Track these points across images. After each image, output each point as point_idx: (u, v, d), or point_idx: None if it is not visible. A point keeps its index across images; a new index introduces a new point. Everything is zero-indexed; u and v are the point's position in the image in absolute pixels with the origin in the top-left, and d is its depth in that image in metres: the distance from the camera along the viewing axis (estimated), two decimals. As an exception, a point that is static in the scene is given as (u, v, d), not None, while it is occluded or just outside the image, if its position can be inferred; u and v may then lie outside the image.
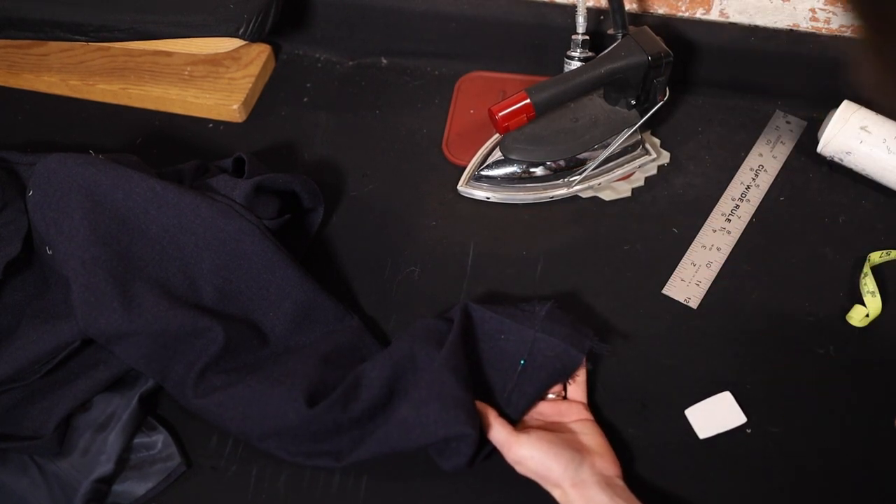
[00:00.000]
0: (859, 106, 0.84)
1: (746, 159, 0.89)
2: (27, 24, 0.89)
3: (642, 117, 0.84)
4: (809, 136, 0.89)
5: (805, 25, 0.90)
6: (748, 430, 0.70)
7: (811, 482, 0.68)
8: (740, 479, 0.68)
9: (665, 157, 0.89)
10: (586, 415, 0.69)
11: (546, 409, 0.70)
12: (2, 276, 0.72)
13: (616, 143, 0.84)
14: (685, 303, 0.78)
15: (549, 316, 0.71)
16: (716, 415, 0.71)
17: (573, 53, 0.88)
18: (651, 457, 0.69)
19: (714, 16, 0.91)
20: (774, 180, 0.87)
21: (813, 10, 0.88)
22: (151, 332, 0.68)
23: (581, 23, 0.86)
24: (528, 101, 0.78)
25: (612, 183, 0.87)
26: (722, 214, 0.84)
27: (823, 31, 0.90)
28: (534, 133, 0.83)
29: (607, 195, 0.86)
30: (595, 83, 0.80)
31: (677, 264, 0.81)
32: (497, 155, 0.85)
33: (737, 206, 0.85)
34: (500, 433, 0.65)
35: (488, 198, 0.85)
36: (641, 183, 0.87)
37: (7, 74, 0.97)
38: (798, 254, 0.81)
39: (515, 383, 0.69)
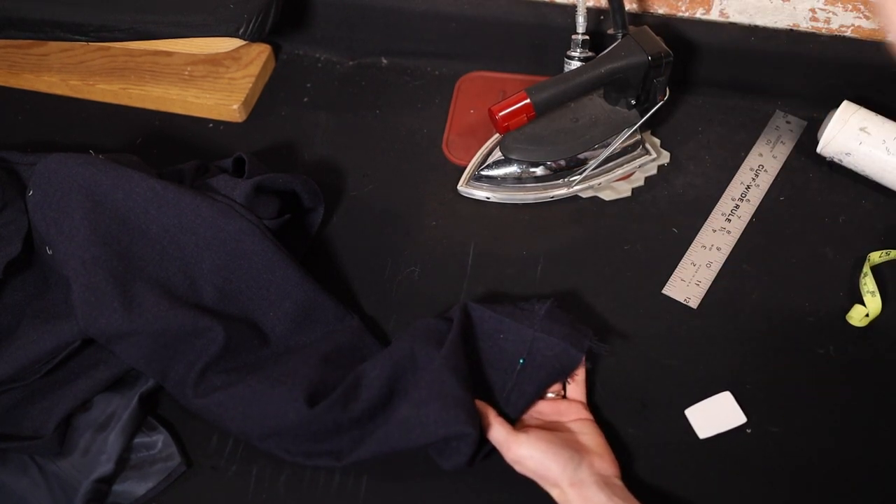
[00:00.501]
0: (859, 107, 0.84)
1: (746, 159, 0.89)
2: (27, 24, 0.89)
3: (642, 117, 0.84)
4: (809, 136, 0.90)
5: (805, 25, 0.90)
6: (748, 430, 0.70)
7: (811, 482, 0.68)
8: (740, 479, 0.68)
9: (665, 157, 0.89)
10: (585, 414, 0.69)
11: (545, 409, 0.70)
12: (2, 276, 0.72)
13: (616, 143, 0.84)
14: (685, 303, 0.78)
15: (548, 315, 0.71)
16: (716, 415, 0.71)
17: (573, 53, 0.88)
18: (651, 457, 0.69)
19: (714, 16, 0.91)
20: (774, 180, 0.87)
21: (813, 10, 0.88)
22: (151, 332, 0.68)
23: (581, 23, 0.86)
24: (528, 101, 0.78)
25: (612, 183, 0.87)
26: (722, 214, 0.84)
27: (823, 31, 0.90)
28: (534, 133, 0.83)
29: (607, 195, 0.86)
30: (595, 83, 0.80)
31: (677, 264, 0.81)
32: (497, 155, 0.85)
33: (737, 206, 0.85)
34: (499, 432, 0.65)
35: (488, 198, 0.85)
36: (641, 183, 0.87)
37: (7, 74, 0.97)
38: (798, 254, 0.81)
39: (514, 382, 0.69)
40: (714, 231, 0.83)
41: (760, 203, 0.85)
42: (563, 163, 0.84)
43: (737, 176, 0.87)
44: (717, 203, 0.85)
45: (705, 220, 0.84)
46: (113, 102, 0.96)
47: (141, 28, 0.87)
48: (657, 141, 0.90)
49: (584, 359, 0.70)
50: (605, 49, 0.82)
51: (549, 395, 0.71)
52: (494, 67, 0.97)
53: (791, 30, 0.91)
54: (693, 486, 0.68)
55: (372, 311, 0.78)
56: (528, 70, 0.96)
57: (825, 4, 0.87)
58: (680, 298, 0.78)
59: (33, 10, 0.88)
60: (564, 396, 0.71)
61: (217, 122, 0.94)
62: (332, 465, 0.67)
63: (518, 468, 0.65)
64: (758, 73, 0.93)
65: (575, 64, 0.87)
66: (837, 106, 0.84)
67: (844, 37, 0.89)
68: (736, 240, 0.82)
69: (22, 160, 0.78)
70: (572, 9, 0.88)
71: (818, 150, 0.86)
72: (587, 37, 0.87)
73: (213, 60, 0.97)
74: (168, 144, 0.92)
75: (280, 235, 0.76)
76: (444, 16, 0.94)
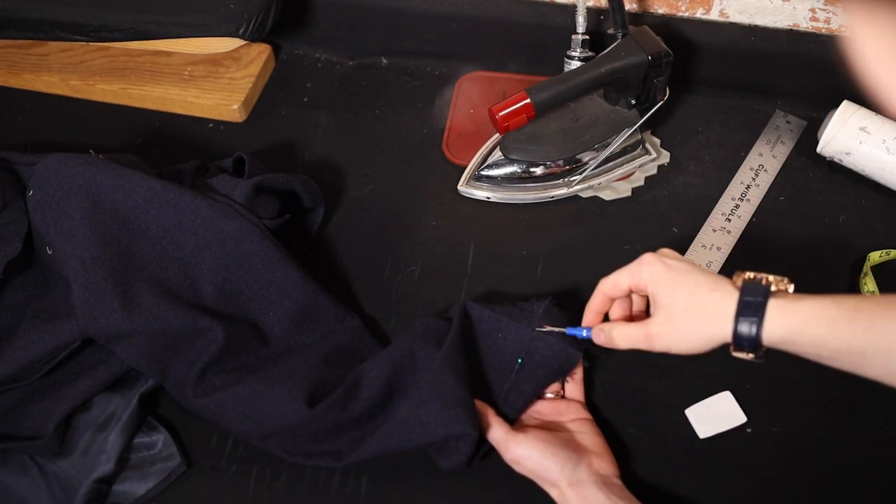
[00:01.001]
0: (859, 107, 0.84)
1: (746, 159, 0.89)
2: (27, 24, 0.89)
3: (642, 117, 0.84)
4: (809, 136, 0.90)
5: (805, 25, 0.90)
6: (748, 430, 0.70)
7: (811, 482, 0.68)
8: (740, 479, 0.68)
9: (665, 157, 0.89)
10: (584, 414, 0.69)
11: (544, 408, 0.70)
12: (2, 276, 0.72)
13: (616, 143, 0.84)
14: (685, 303, 0.78)
15: (546, 314, 0.71)
16: (716, 415, 0.71)
17: (573, 53, 0.88)
18: (651, 456, 0.69)
19: (714, 16, 0.91)
20: (774, 180, 0.87)
21: (813, 10, 0.88)
22: (151, 332, 0.68)
23: (581, 23, 0.86)
24: (528, 100, 0.78)
25: (612, 183, 0.87)
26: (722, 214, 0.84)
27: (823, 31, 0.90)
28: (534, 133, 0.83)
29: (607, 195, 0.86)
30: (595, 83, 0.80)
31: (677, 264, 0.81)
32: (497, 155, 0.85)
33: (737, 206, 0.85)
34: (497, 432, 0.65)
35: (488, 198, 0.86)
36: (641, 183, 0.87)
37: (7, 74, 0.97)
38: (798, 254, 0.81)
39: (513, 382, 0.69)
40: (714, 231, 0.83)
41: (760, 203, 0.85)
42: (562, 163, 0.84)
43: (737, 176, 0.87)
44: (717, 203, 0.85)
45: (705, 220, 0.84)
46: (113, 102, 0.96)
47: (141, 28, 0.87)
48: (657, 141, 0.90)
49: (581, 358, 0.70)
50: (605, 49, 0.82)
51: (548, 394, 0.71)
52: (494, 67, 0.97)
53: (791, 30, 0.91)
54: (693, 486, 0.68)
55: (372, 311, 0.78)
56: (528, 70, 0.96)
57: (825, 4, 0.87)
58: (680, 298, 0.78)
59: (33, 10, 0.88)
60: (563, 396, 0.71)
61: (217, 122, 0.94)
62: (332, 466, 0.67)
63: (517, 468, 0.65)
64: (758, 73, 0.93)
65: (575, 64, 0.87)
66: (837, 106, 0.84)
67: (844, 37, 0.89)
68: (736, 240, 0.82)
69: (22, 160, 0.78)
70: (572, 9, 0.88)
71: (818, 150, 0.86)
72: (587, 37, 0.87)
73: (213, 60, 0.97)
74: (168, 144, 0.92)
75: (280, 235, 0.76)
76: (444, 16, 0.94)
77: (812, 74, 0.91)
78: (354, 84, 0.97)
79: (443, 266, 0.81)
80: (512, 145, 0.84)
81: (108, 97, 0.96)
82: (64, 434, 0.69)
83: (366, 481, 0.68)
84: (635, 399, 0.72)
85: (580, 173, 0.85)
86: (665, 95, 0.83)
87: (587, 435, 0.67)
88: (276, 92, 0.97)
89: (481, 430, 0.64)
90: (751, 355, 0.59)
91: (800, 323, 0.57)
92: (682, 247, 0.82)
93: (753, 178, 0.87)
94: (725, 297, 0.59)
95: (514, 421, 0.68)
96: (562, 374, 0.70)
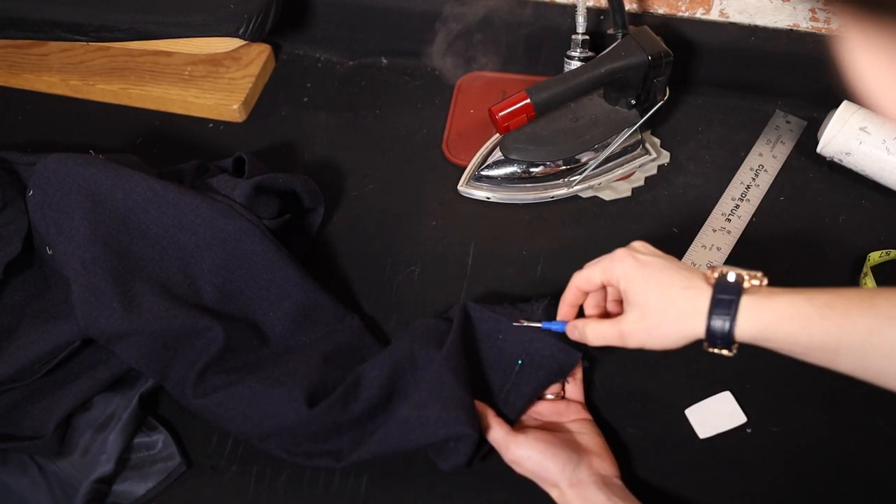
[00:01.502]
0: (859, 107, 0.84)
1: (746, 159, 0.89)
2: (27, 24, 0.89)
3: (642, 117, 0.84)
4: (809, 136, 0.90)
5: (805, 25, 0.90)
6: (748, 430, 0.70)
7: (811, 482, 0.68)
8: (740, 479, 0.68)
9: (665, 157, 0.89)
10: (584, 414, 0.69)
11: (544, 409, 0.70)
12: (2, 276, 0.72)
13: (616, 143, 0.84)
14: (685, 303, 0.78)
15: (546, 314, 0.71)
16: (716, 415, 0.71)
17: (573, 53, 0.88)
18: (651, 457, 0.69)
19: (714, 16, 0.91)
20: (774, 180, 0.87)
21: (813, 11, 0.88)
22: (151, 332, 0.68)
23: (581, 23, 0.86)
24: (528, 101, 0.78)
25: (612, 183, 0.87)
26: (722, 214, 0.84)
27: (823, 31, 0.90)
28: (534, 133, 0.83)
29: (607, 195, 0.86)
30: (595, 83, 0.80)
31: (677, 264, 0.81)
32: (497, 155, 0.85)
33: (737, 206, 0.85)
34: (497, 433, 0.65)
35: (488, 198, 0.85)
36: (641, 183, 0.87)
37: (7, 74, 0.97)
38: (798, 254, 0.81)
39: (513, 383, 0.69)
40: (714, 231, 0.83)
41: (760, 203, 0.85)
42: (562, 163, 0.84)
43: (737, 176, 0.87)
44: (717, 203, 0.85)
45: (705, 220, 0.84)
46: (113, 102, 0.96)
47: (141, 28, 0.87)
48: (657, 141, 0.90)
49: (581, 358, 0.70)
50: (605, 49, 0.82)
51: (549, 395, 0.71)
52: (494, 67, 0.97)
53: (791, 30, 0.91)
54: (693, 486, 0.68)
55: (372, 311, 0.78)
56: (528, 70, 0.96)
57: (825, 4, 0.87)
58: (680, 298, 0.78)
59: (33, 10, 0.88)
60: (563, 397, 0.71)
61: (217, 122, 0.94)
62: (332, 466, 0.67)
63: (517, 469, 0.65)
64: (758, 73, 0.93)
65: (575, 64, 0.87)
66: (837, 106, 0.84)
67: (838, 42, 0.89)
68: (736, 240, 0.82)
69: (22, 160, 0.78)
70: (572, 9, 0.88)
71: (818, 150, 0.86)
72: (587, 37, 0.87)
73: (213, 60, 0.97)
74: (168, 144, 0.92)
75: (280, 235, 0.76)
76: (443, 16, 0.94)
77: (812, 74, 0.91)
78: (354, 84, 0.97)
79: (443, 266, 0.81)
80: (512, 145, 0.84)
81: (108, 97, 0.96)
82: (64, 434, 0.69)
83: (366, 481, 0.68)
84: (635, 399, 0.72)
85: (580, 173, 0.85)
86: (665, 95, 0.83)
87: (587, 435, 0.67)
88: (276, 92, 0.97)
89: (481, 430, 0.64)
90: (724, 351, 0.59)
91: (773, 320, 0.57)
92: (682, 247, 0.82)
93: (753, 178, 0.87)
94: (699, 295, 0.59)
95: (514, 422, 0.68)
96: (562, 376, 0.70)
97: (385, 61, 0.99)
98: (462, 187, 0.86)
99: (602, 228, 0.84)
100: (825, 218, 0.84)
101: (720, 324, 0.57)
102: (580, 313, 0.70)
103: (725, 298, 0.57)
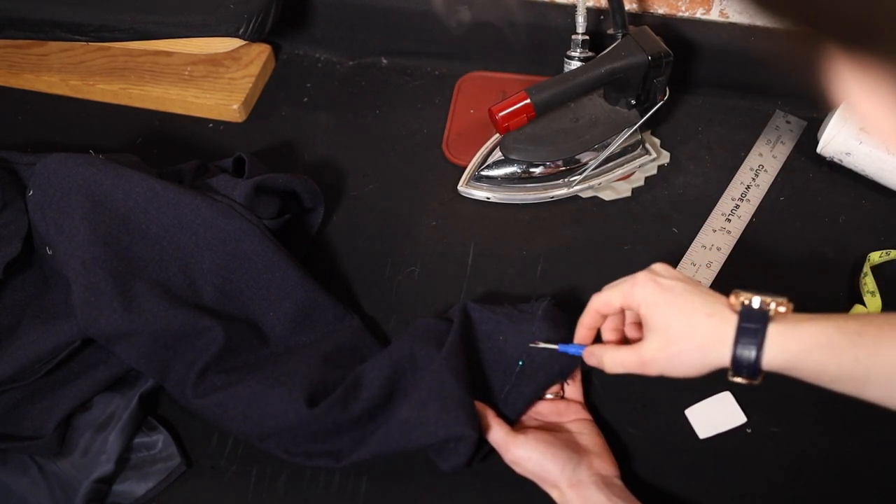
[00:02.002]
0: (859, 106, 0.84)
1: (746, 159, 0.89)
2: (27, 24, 0.89)
3: (642, 117, 0.84)
4: (809, 136, 0.89)
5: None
6: (748, 430, 0.70)
7: (811, 482, 0.68)
8: (740, 479, 0.68)
9: (665, 157, 0.89)
10: (584, 414, 0.69)
11: (544, 409, 0.70)
12: (2, 276, 0.72)
13: (616, 143, 0.84)
14: (685, 303, 0.78)
15: (546, 315, 0.71)
16: (716, 415, 0.71)
17: (573, 53, 0.88)
18: (651, 457, 0.69)
19: (714, 16, 0.91)
20: (774, 180, 0.87)
21: (813, 10, 0.88)
22: (151, 332, 0.68)
23: (581, 23, 0.86)
24: (528, 101, 0.78)
25: (612, 183, 0.87)
26: (722, 214, 0.84)
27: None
28: (534, 133, 0.83)
29: (607, 195, 0.86)
30: (595, 83, 0.80)
31: (677, 264, 0.81)
32: (497, 155, 0.85)
33: (737, 206, 0.85)
34: (497, 434, 0.65)
35: (488, 198, 0.85)
36: (641, 183, 0.87)
37: (7, 74, 0.97)
38: (798, 254, 0.81)
39: (513, 384, 0.69)
40: (714, 231, 0.83)
41: (760, 203, 0.85)
42: (562, 163, 0.84)
43: (737, 176, 0.87)
44: (717, 203, 0.85)
45: (705, 220, 0.84)
46: (113, 102, 0.96)
47: (141, 28, 0.87)
48: (657, 141, 0.90)
49: (581, 359, 0.70)
50: (605, 49, 0.82)
51: (549, 395, 0.71)
52: (494, 67, 0.97)
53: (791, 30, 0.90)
54: (693, 486, 0.68)
55: (372, 311, 0.78)
56: (528, 70, 0.96)
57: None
58: (680, 298, 0.78)
59: (33, 10, 0.88)
60: (563, 397, 0.71)
61: (217, 122, 0.94)
62: (332, 466, 0.67)
63: (517, 469, 0.65)
64: (758, 73, 0.92)
65: (575, 64, 0.87)
66: (837, 106, 0.84)
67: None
68: (736, 240, 0.82)
69: (22, 160, 0.78)
70: (572, 9, 0.88)
71: (818, 150, 0.86)
72: (587, 37, 0.87)
73: (213, 60, 0.97)
74: (168, 144, 0.92)
75: (280, 235, 0.76)
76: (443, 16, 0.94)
77: (812, 74, 0.91)
78: (354, 84, 0.97)
79: (443, 266, 0.81)
80: (512, 145, 0.84)
81: (108, 97, 0.96)
82: (64, 434, 0.69)
83: (366, 481, 0.68)
84: (635, 399, 0.72)
85: (580, 173, 0.85)
86: (665, 95, 0.83)
87: (587, 435, 0.67)
88: (276, 92, 0.97)
89: (481, 431, 0.64)
90: (750, 380, 0.57)
91: (801, 349, 0.55)
92: (682, 247, 0.82)
93: (753, 179, 0.87)
94: (723, 322, 0.57)
95: (514, 422, 0.68)
96: (562, 376, 0.70)
97: (385, 61, 0.99)
98: (462, 187, 0.86)
99: (602, 228, 0.84)
100: (825, 218, 0.84)
101: (747, 353, 0.55)
102: (597, 336, 0.68)
103: (751, 327, 0.55)
